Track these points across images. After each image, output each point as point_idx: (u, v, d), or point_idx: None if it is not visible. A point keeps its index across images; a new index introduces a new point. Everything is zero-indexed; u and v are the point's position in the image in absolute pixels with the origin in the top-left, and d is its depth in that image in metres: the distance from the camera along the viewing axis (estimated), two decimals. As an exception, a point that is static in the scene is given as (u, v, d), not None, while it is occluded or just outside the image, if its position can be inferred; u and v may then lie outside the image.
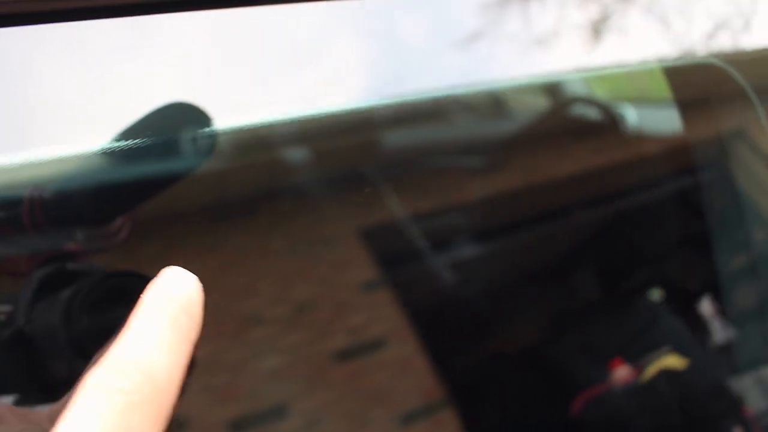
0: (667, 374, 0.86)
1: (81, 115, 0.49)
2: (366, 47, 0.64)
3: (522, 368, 0.88)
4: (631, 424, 0.87)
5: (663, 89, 0.83)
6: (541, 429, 0.85)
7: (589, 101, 0.88)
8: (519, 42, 0.71)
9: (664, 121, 0.85)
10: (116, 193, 0.48)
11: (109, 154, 0.46)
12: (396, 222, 0.81)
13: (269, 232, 0.74)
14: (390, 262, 0.84)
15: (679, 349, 0.89)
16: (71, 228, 0.48)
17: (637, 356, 0.88)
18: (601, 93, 0.88)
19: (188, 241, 0.66)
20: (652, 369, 0.87)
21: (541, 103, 0.85)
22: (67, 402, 0.32)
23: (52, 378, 0.44)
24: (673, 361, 0.87)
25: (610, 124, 0.89)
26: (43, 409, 0.33)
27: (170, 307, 0.29)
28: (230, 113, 0.53)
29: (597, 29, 0.74)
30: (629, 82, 0.86)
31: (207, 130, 0.49)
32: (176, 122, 0.49)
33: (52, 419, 0.32)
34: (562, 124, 0.88)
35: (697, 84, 0.86)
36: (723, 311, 0.91)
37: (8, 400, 0.43)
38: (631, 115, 0.88)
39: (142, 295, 0.30)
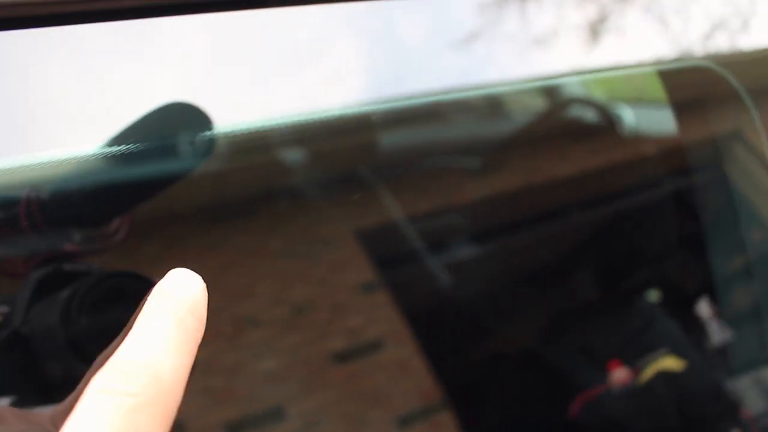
0: (664, 376, 0.86)
1: (80, 117, 0.48)
2: (364, 48, 0.63)
3: (520, 369, 0.88)
4: (629, 425, 0.87)
5: (660, 90, 0.83)
6: (539, 430, 0.85)
7: (587, 102, 0.88)
8: (517, 42, 0.71)
9: (662, 121, 0.85)
10: (114, 194, 0.48)
11: (107, 155, 0.46)
12: (394, 223, 0.81)
13: (268, 233, 0.74)
14: (388, 263, 0.84)
15: (677, 351, 0.89)
16: (69, 229, 0.48)
17: (635, 357, 0.88)
18: (598, 94, 0.88)
19: (187, 241, 0.66)
20: (650, 371, 0.87)
21: (539, 104, 0.85)
22: (70, 403, 0.31)
23: (50, 379, 0.43)
24: (670, 362, 0.87)
25: (608, 125, 0.89)
26: (44, 411, 0.32)
27: (176, 308, 0.29)
28: (229, 114, 0.53)
29: (595, 30, 0.74)
30: (627, 82, 0.86)
31: (206, 130, 0.49)
32: (175, 122, 0.48)
33: (55, 421, 0.32)
34: (560, 125, 0.88)
35: (693, 86, 0.86)
36: (720, 312, 0.91)
37: (5, 401, 0.43)
38: (629, 116, 0.88)
39: (146, 296, 0.30)
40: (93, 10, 0.47)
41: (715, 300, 0.93)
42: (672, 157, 0.89)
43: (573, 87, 0.86)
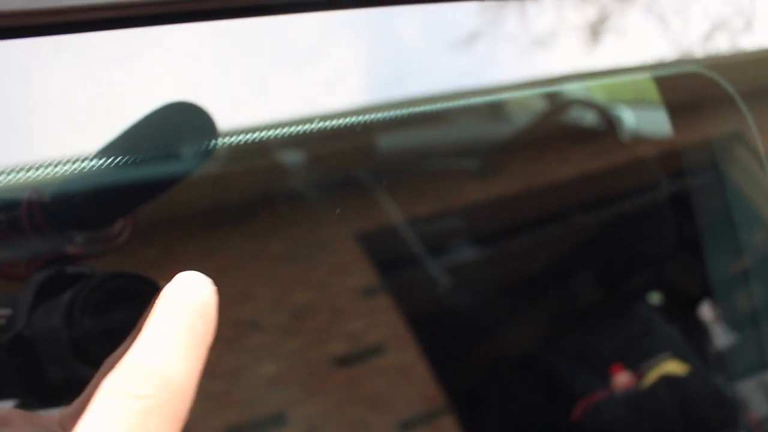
0: (667, 380, 0.86)
1: (81, 119, 0.48)
2: (364, 50, 0.63)
3: (522, 373, 0.87)
4: (632, 430, 0.87)
5: (657, 94, 0.84)
6: (542, 435, 0.85)
7: (587, 104, 0.88)
8: (518, 43, 0.71)
9: (662, 123, 0.85)
10: (116, 195, 0.48)
11: (110, 155, 0.46)
12: (395, 226, 0.81)
13: (267, 236, 0.74)
14: (389, 267, 0.83)
15: (680, 355, 0.89)
16: (71, 231, 0.47)
17: (637, 362, 0.88)
18: (598, 95, 0.88)
19: (186, 245, 0.66)
20: (653, 375, 0.86)
21: (539, 106, 0.85)
22: (78, 406, 0.31)
23: (53, 381, 0.43)
24: (673, 366, 0.87)
25: (608, 127, 0.89)
26: (51, 413, 0.32)
27: (185, 312, 0.29)
28: (229, 118, 0.53)
29: (595, 30, 0.74)
30: (627, 84, 0.86)
31: (209, 128, 0.48)
32: (177, 121, 0.48)
33: (63, 423, 0.31)
34: (560, 127, 0.88)
35: (690, 88, 0.86)
36: (723, 316, 0.91)
37: (9, 404, 0.43)
38: (629, 118, 0.88)
39: (156, 299, 0.30)
40: (96, 19, 0.47)
41: (718, 303, 0.92)
42: (673, 160, 0.89)
43: (573, 88, 0.86)
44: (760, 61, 0.89)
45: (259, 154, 0.68)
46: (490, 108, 0.81)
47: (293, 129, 0.58)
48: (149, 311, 0.30)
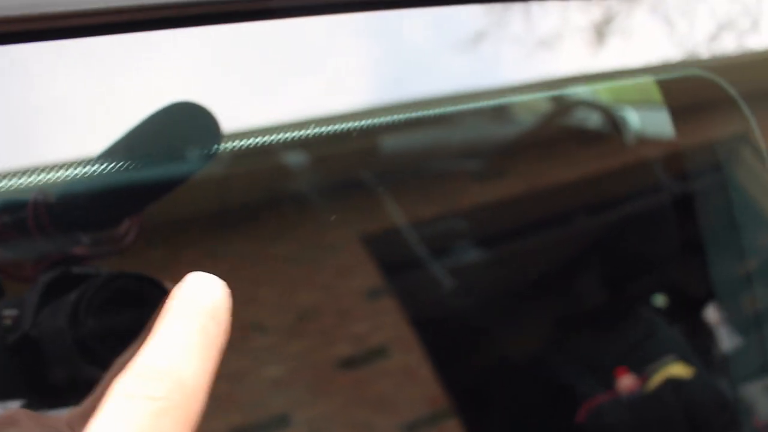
0: (672, 383, 0.86)
1: (86, 120, 0.48)
2: (369, 52, 0.63)
3: (526, 376, 0.87)
4: (636, 433, 0.86)
5: (660, 96, 0.83)
6: (546, 437, 0.85)
7: (592, 105, 0.88)
8: (523, 44, 0.71)
9: (667, 124, 0.85)
10: (122, 196, 0.47)
11: (115, 155, 0.46)
12: (399, 228, 0.81)
13: (272, 238, 0.74)
14: (393, 269, 0.83)
15: (684, 358, 0.88)
16: (77, 231, 0.47)
17: (641, 364, 0.87)
18: (603, 96, 0.88)
19: (191, 247, 0.66)
20: (658, 378, 0.86)
21: (543, 107, 0.85)
22: (88, 407, 0.31)
23: (59, 381, 0.43)
24: (678, 369, 0.87)
25: (612, 129, 0.89)
26: (59, 413, 0.32)
27: (198, 313, 0.29)
28: (234, 119, 0.53)
29: (600, 32, 0.74)
30: (631, 85, 0.85)
31: (212, 129, 0.48)
32: (182, 121, 0.48)
33: (72, 424, 0.31)
34: (564, 128, 0.88)
35: (693, 90, 0.86)
36: (728, 318, 0.91)
37: (16, 404, 0.42)
38: (634, 119, 0.88)
39: (162, 300, 0.30)
40: (99, 24, 0.47)
41: (722, 305, 0.92)
42: (678, 161, 0.89)
43: (577, 89, 0.86)
44: (764, 62, 0.89)
45: (263, 156, 0.68)
46: (495, 110, 0.80)
47: (298, 133, 0.58)
48: (157, 312, 0.29)
